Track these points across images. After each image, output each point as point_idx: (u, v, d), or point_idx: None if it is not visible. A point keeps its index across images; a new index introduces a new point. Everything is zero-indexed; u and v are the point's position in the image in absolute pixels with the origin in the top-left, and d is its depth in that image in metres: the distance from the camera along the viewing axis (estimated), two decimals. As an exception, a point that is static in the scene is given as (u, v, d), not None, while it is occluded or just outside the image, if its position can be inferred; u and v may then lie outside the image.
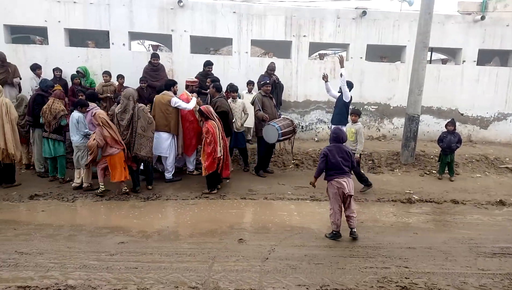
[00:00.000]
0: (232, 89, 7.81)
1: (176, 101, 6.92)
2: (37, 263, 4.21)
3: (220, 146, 6.39)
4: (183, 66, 9.65)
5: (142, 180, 6.86)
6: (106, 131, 6.21)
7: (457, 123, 8.58)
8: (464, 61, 10.34)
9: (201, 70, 8.75)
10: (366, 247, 4.85)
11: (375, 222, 5.76)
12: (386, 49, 10.69)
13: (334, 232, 5.03)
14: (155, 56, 8.76)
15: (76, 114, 6.62)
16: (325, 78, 7.62)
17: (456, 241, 5.12)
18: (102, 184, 6.50)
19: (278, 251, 4.66)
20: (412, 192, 7.16)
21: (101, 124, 6.22)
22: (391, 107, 10.38)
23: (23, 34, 10.78)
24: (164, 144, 7.04)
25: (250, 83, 8.92)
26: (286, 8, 10.01)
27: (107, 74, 8.63)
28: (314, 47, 11.15)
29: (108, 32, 9.49)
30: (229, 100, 7.74)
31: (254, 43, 10.48)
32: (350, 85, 7.55)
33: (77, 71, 8.65)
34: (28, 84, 8.64)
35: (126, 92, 6.54)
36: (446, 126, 8.06)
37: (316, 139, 10.16)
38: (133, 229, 5.21)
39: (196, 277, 4.01)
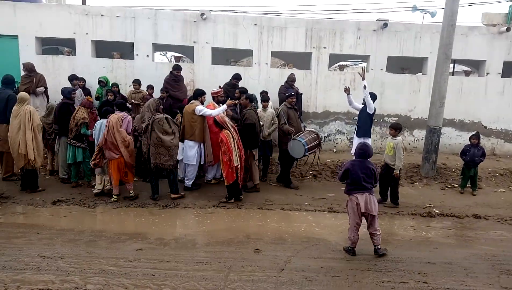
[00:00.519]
0: (264, 99, 7.80)
1: (200, 109, 7.00)
2: (58, 267, 4.33)
3: (235, 155, 6.42)
4: (204, 76, 9.83)
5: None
6: (110, 135, 6.40)
7: (481, 136, 8.37)
8: (488, 73, 10.14)
9: (221, 80, 8.89)
10: (384, 261, 4.77)
11: (393, 235, 5.66)
12: (407, 61, 10.60)
13: (349, 248, 4.94)
14: (178, 68, 8.91)
15: (100, 122, 6.87)
16: (347, 90, 7.58)
17: (478, 257, 4.97)
18: (116, 194, 6.65)
19: (294, 262, 4.64)
20: (432, 205, 7.01)
21: (108, 127, 6.42)
22: (412, 119, 10.24)
23: (52, 46, 11.24)
24: (190, 152, 7.16)
25: (265, 100, 7.90)
26: (307, 20, 10.09)
27: (136, 82, 8.95)
28: (334, 59, 11.16)
29: (133, 43, 9.79)
30: (259, 109, 7.79)
31: (274, 54, 10.59)
32: (373, 97, 7.51)
33: (99, 81, 8.94)
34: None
35: (146, 103, 6.73)
36: (470, 139, 7.87)
37: (334, 150, 10.10)
38: (151, 236, 5.29)
39: (212, 286, 4.04)
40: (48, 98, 8.76)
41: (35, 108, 8.36)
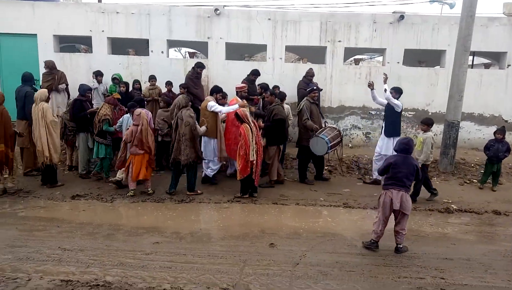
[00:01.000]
0: (281, 96, 7.73)
1: (212, 105, 7.02)
2: (78, 259, 4.44)
3: (253, 150, 6.44)
4: (218, 72, 9.86)
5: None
6: (143, 131, 6.53)
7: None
8: (509, 65, 9.86)
9: (235, 76, 8.88)
10: (400, 256, 4.73)
11: (410, 231, 5.56)
12: (425, 54, 10.40)
13: (372, 241, 4.85)
14: (201, 66, 8.64)
15: (127, 116, 7.07)
16: (370, 85, 7.45)
17: (497, 254, 4.88)
18: (133, 188, 6.75)
19: (309, 257, 4.65)
20: (450, 201, 6.89)
21: (136, 122, 6.55)
22: (430, 113, 10.04)
23: (69, 43, 11.44)
24: (207, 148, 7.23)
25: (283, 98, 7.73)
26: (321, 14, 10.00)
27: (152, 78, 9.01)
28: (349, 52, 11.04)
29: (147, 40, 9.88)
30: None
31: (288, 49, 10.53)
32: (399, 91, 7.38)
33: (113, 78, 9.00)
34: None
35: (176, 99, 6.90)
36: (494, 133, 7.67)
37: (350, 145, 10.01)
38: (167, 230, 5.36)
39: (227, 279, 4.08)
40: (69, 94, 8.94)
41: (57, 105, 8.60)
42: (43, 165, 6.83)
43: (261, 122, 7.27)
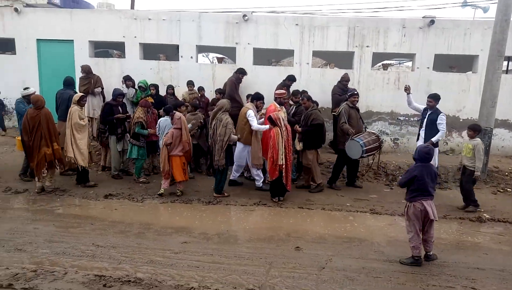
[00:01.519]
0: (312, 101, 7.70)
1: (249, 114, 7.01)
2: (111, 256, 4.62)
3: (281, 154, 6.48)
4: (245, 77, 9.95)
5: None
6: (184, 134, 6.80)
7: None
8: (546, 71, 9.50)
9: (262, 81, 8.96)
10: (429, 264, 4.65)
11: (440, 239, 5.46)
12: (456, 59, 10.17)
13: (415, 258, 4.65)
14: (244, 73, 8.88)
15: (163, 120, 7.31)
16: (407, 90, 7.33)
17: (532, 265, 4.72)
18: (165, 187, 6.95)
19: (335, 262, 4.64)
20: (482, 210, 6.69)
21: (177, 125, 6.79)
22: (461, 120, 9.81)
23: (103, 49, 11.90)
24: (240, 154, 7.35)
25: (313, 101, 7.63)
26: (349, 19, 9.97)
27: (191, 84, 9.28)
28: (377, 58, 10.94)
29: (177, 45, 10.14)
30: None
31: (315, 54, 10.55)
32: (437, 98, 7.22)
33: (139, 86, 9.08)
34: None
35: (220, 103, 7.09)
36: None
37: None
38: (195, 231, 5.49)
39: (253, 280, 4.14)
40: (104, 98, 9.27)
41: (93, 108, 8.97)
42: (78, 167, 7.10)
43: (298, 127, 7.30)
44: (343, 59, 10.90)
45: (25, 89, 7.72)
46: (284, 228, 5.71)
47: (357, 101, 7.57)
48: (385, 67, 10.78)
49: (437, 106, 7.28)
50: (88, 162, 7.23)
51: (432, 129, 7.15)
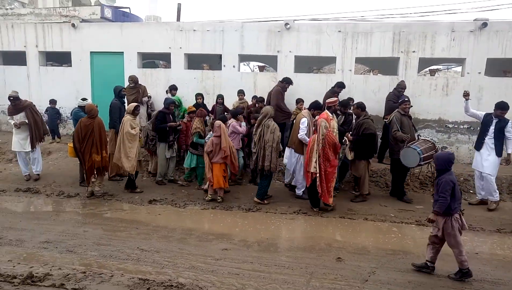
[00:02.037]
0: (363, 107, 7.50)
1: (303, 122, 7.03)
2: (154, 260, 4.76)
3: (314, 162, 6.38)
4: (286, 85, 9.98)
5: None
6: (218, 140, 6.93)
7: None
8: None
9: (303, 88, 8.91)
10: (481, 281, 4.37)
11: (493, 255, 5.13)
12: (510, 63, 9.55)
13: (464, 270, 4.38)
14: (290, 82, 8.94)
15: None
16: (466, 96, 6.99)
17: None
18: (211, 193, 7.13)
19: (378, 274, 4.49)
20: (543, 225, 6.19)
21: (216, 133, 6.97)
22: (517, 127, 9.16)
23: (149, 60, 12.43)
24: (291, 161, 7.33)
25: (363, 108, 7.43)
26: (395, 24, 9.70)
27: (241, 93, 9.44)
28: (424, 63, 10.53)
29: (220, 55, 10.37)
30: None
31: (358, 60, 10.35)
32: (505, 108, 6.80)
33: (172, 102, 9.26)
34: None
35: (264, 109, 7.20)
36: None
37: (424, 160, 9.46)
38: (235, 238, 5.53)
39: (293, 290, 4.10)
40: (147, 107, 9.62)
41: (140, 116, 9.33)
42: (128, 174, 7.42)
43: (349, 135, 7.21)
44: (387, 65, 10.61)
45: (83, 99, 8.24)
46: (325, 237, 5.61)
47: (409, 108, 7.32)
48: (432, 72, 10.34)
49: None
50: (136, 169, 7.51)
51: (500, 138, 6.76)
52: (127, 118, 7.36)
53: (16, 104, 8.06)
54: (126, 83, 9.74)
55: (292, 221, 6.33)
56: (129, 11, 14.02)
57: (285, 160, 7.53)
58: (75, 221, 6.12)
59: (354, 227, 6.07)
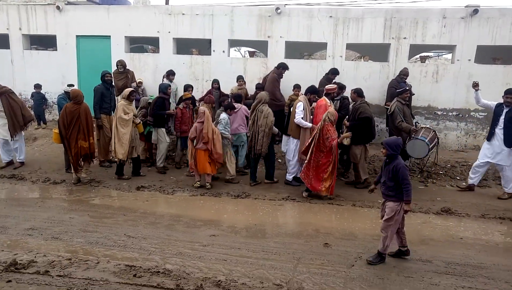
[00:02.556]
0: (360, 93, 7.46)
1: (298, 106, 6.97)
2: (141, 247, 4.73)
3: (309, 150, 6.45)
4: (277, 70, 9.89)
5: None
6: (201, 126, 6.90)
7: None
8: None
9: (294, 74, 8.83)
10: (465, 265, 4.44)
11: (476, 240, 5.21)
12: (500, 50, 9.57)
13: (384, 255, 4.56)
14: (286, 68, 8.72)
15: (222, 116, 7.41)
16: (476, 86, 6.79)
17: None
18: (198, 180, 7.09)
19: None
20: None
21: (200, 120, 6.94)
22: (505, 115, 9.23)
23: (137, 44, 12.18)
24: (289, 147, 7.30)
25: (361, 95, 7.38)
26: (386, 10, 9.62)
27: (240, 78, 9.28)
28: (415, 50, 10.50)
29: (210, 40, 10.20)
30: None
31: (349, 46, 10.28)
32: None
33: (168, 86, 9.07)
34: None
35: (259, 95, 7.20)
36: None
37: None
38: (224, 224, 5.53)
39: (280, 275, 4.11)
40: (144, 93, 9.42)
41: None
42: (119, 160, 7.32)
43: (346, 121, 7.18)
44: (378, 52, 10.57)
45: (69, 85, 8.04)
46: (313, 223, 5.63)
47: (408, 96, 7.26)
48: (422, 59, 10.33)
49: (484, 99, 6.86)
50: (127, 155, 7.37)
51: (510, 127, 6.58)
52: (121, 103, 7.26)
53: (-9, 91, 7.67)
54: (114, 68, 9.56)
55: (281, 207, 6.34)
56: (116, -6, 13.68)
57: (283, 148, 7.59)
58: (61, 208, 6.05)
59: (341, 213, 6.10)
